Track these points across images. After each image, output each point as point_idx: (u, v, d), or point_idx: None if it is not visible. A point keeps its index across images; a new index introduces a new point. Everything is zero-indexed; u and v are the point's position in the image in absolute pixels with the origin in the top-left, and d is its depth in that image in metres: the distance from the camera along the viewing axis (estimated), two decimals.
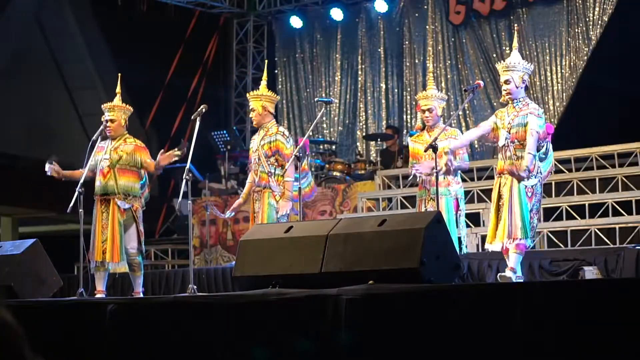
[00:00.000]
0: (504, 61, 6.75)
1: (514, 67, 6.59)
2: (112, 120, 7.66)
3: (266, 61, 8.66)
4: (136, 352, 5.27)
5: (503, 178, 6.57)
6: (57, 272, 7.52)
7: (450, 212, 7.02)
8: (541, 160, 6.59)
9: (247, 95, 7.72)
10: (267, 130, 7.33)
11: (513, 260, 6.48)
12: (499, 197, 6.57)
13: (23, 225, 15.47)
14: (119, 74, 8.05)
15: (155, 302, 5.78)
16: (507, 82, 6.57)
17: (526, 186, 6.44)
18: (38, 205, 13.71)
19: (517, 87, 6.57)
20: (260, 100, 7.39)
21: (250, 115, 7.49)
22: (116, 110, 7.70)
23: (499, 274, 6.67)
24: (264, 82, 7.59)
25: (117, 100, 7.79)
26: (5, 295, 6.67)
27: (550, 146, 6.70)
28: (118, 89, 7.89)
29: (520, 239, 6.41)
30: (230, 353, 4.93)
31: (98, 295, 7.45)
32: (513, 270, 6.46)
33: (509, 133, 6.53)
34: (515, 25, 7.77)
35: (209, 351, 5.00)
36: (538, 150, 6.53)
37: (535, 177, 6.48)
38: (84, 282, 7.50)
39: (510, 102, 6.61)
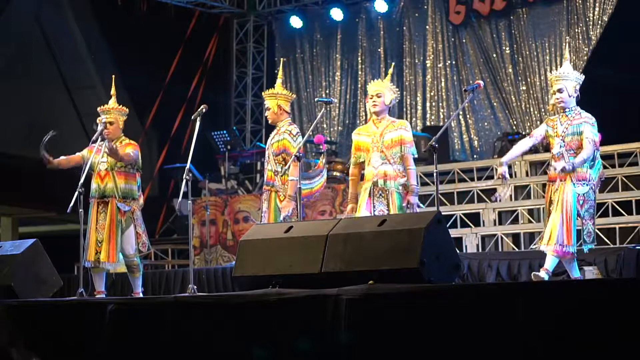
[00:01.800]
0: (556, 71, 6.83)
1: (567, 77, 6.70)
2: (110, 123, 7.67)
3: (282, 60, 8.61)
4: (136, 352, 5.27)
5: (554, 185, 6.63)
6: (57, 272, 7.50)
7: (400, 208, 6.87)
8: (590, 167, 6.64)
9: (263, 93, 7.74)
10: (279, 129, 7.35)
11: (549, 262, 6.56)
12: (550, 202, 6.64)
13: (23, 225, 15.45)
14: (113, 75, 8.03)
15: (155, 302, 5.77)
16: (560, 90, 6.66)
17: (578, 194, 6.52)
18: (38, 205, 13.69)
19: (569, 96, 6.68)
20: (275, 99, 7.40)
21: (266, 114, 7.50)
22: (113, 113, 7.70)
23: (533, 273, 6.72)
24: (279, 80, 7.59)
25: (113, 102, 7.77)
26: (5, 295, 6.67)
27: (598, 154, 6.76)
28: (113, 91, 7.88)
29: (563, 245, 6.46)
30: (230, 353, 4.93)
31: (98, 296, 7.45)
32: (547, 271, 6.53)
33: (564, 141, 6.61)
34: (567, 38, 7.80)
35: (209, 351, 4.99)
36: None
37: (587, 185, 6.57)
38: (84, 282, 7.50)
39: (561, 110, 6.69)
